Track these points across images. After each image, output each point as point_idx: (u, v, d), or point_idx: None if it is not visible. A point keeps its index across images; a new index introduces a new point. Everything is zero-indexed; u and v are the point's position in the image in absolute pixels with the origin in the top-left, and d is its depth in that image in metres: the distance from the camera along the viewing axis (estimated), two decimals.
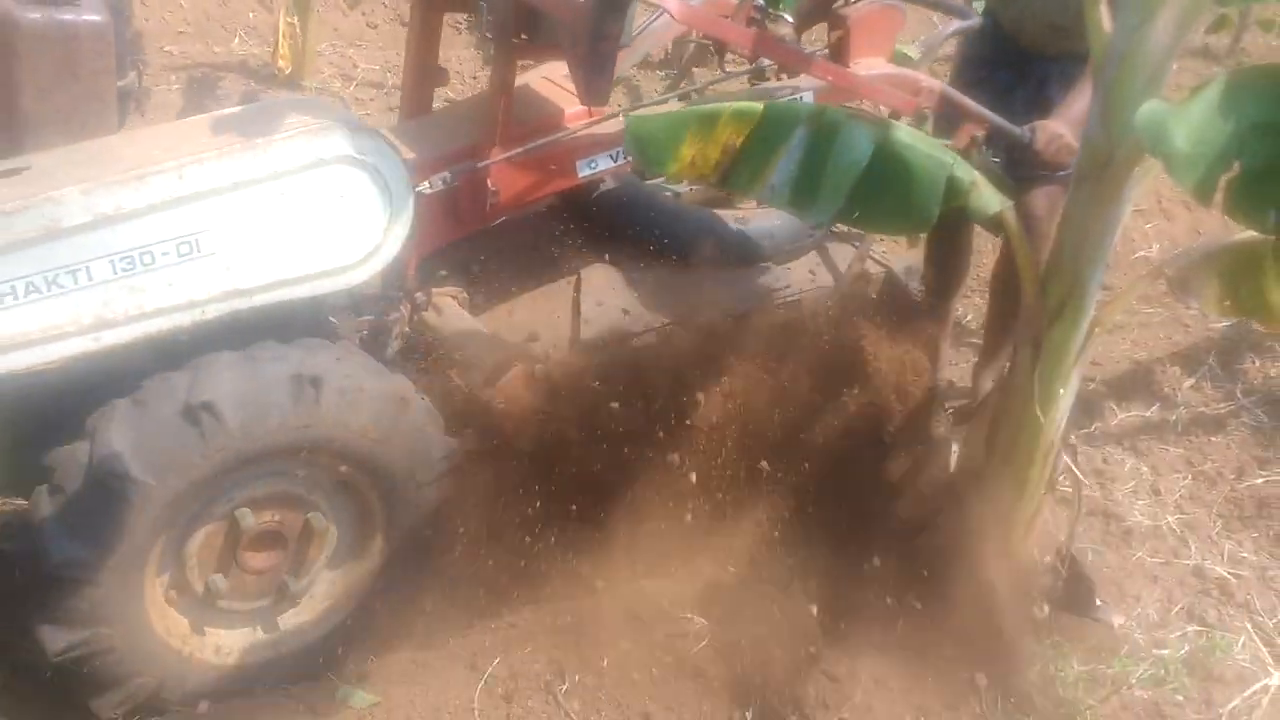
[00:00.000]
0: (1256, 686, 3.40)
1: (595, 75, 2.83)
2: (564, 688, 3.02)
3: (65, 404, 2.67)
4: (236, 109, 3.06)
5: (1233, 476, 4.46)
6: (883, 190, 2.81)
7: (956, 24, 4.02)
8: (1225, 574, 3.88)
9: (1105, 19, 2.81)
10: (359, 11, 8.57)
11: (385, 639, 3.10)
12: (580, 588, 3.31)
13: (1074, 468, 3.22)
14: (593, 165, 3.32)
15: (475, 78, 7.67)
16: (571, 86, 3.23)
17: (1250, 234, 2.73)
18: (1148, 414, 4.80)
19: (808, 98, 3.38)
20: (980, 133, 3.48)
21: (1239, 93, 2.36)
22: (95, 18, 2.83)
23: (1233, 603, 3.77)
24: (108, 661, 2.71)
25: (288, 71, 6.99)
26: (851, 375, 3.50)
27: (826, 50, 3.65)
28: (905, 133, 2.84)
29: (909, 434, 3.54)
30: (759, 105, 2.77)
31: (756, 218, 3.98)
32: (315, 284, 2.86)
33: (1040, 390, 3.08)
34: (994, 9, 4.08)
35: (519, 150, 3.17)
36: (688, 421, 3.32)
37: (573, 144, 3.27)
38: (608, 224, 3.85)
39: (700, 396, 3.35)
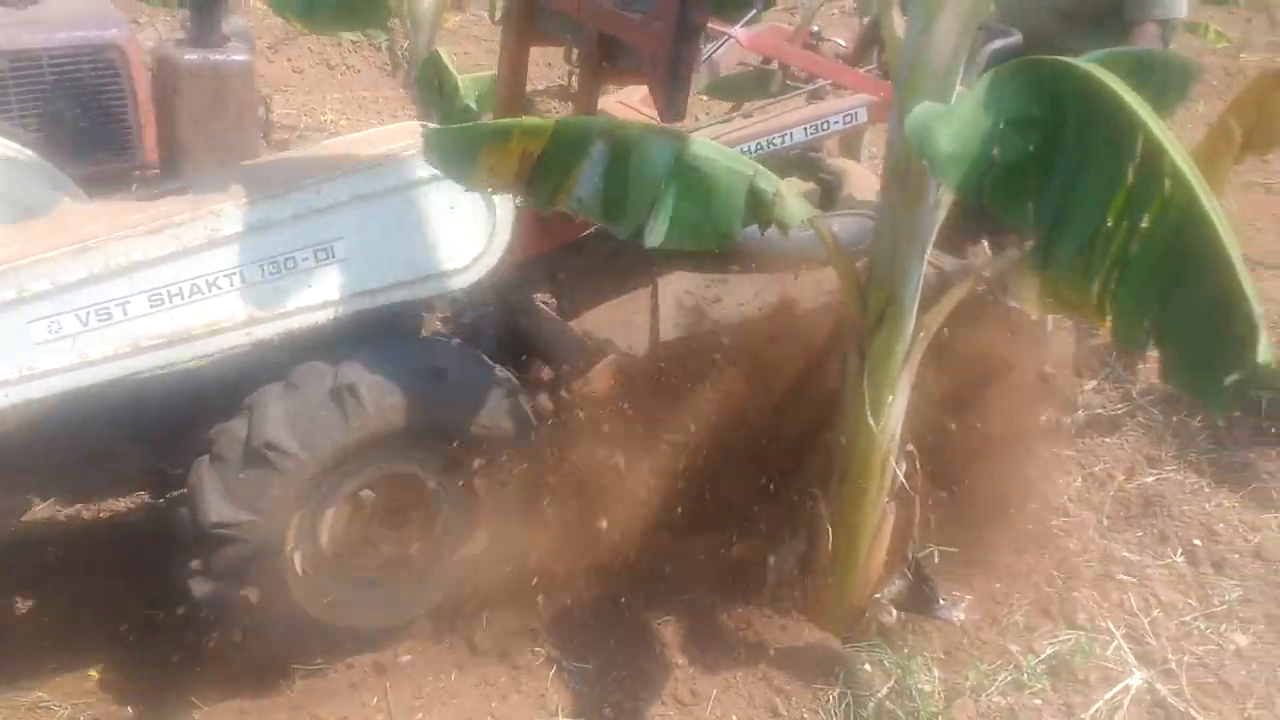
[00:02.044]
0: (1119, 688, 3.36)
1: (674, 94, 3.10)
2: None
3: (218, 395, 3.01)
4: (358, 134, 3.48)
5: (1122, 477, 4.45)
6: (687, 203, 2.81)
7: (999, 42, 4.18)
8: (1100, 573, 3.85)
9: (898, 24, 2.82)
10: (284, 57, 8.64)
11: None
12: None
13: (898, 475, 3.18)
14: None
15: None
16: (644, 109, 3.73)
17: None
18: (1043, 419, 4.77)
19: (862, 113, 3.86)
20: None
21: (999, 90, 2.37)
22: (242, 57, 3.30)
23: (1106, 603, 3.73)
24: (244, 616, 3.03)
25: None
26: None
27: (877, 70, 4.10)
28: (704, 145, 2.84)
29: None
30: (549, 121, 2.78)
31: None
32: (431, 285, 3.21)
33: (870, 398, 3.07)
34: (1006, 15, 4.22)
35: None
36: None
37: None
38: None
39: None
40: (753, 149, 3.85)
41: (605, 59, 3.44)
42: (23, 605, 3.51)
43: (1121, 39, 4.35)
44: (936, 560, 3.59)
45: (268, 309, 2.99)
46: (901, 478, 3.19)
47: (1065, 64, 2.30)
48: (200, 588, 2.98)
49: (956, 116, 2.33)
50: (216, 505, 2.92)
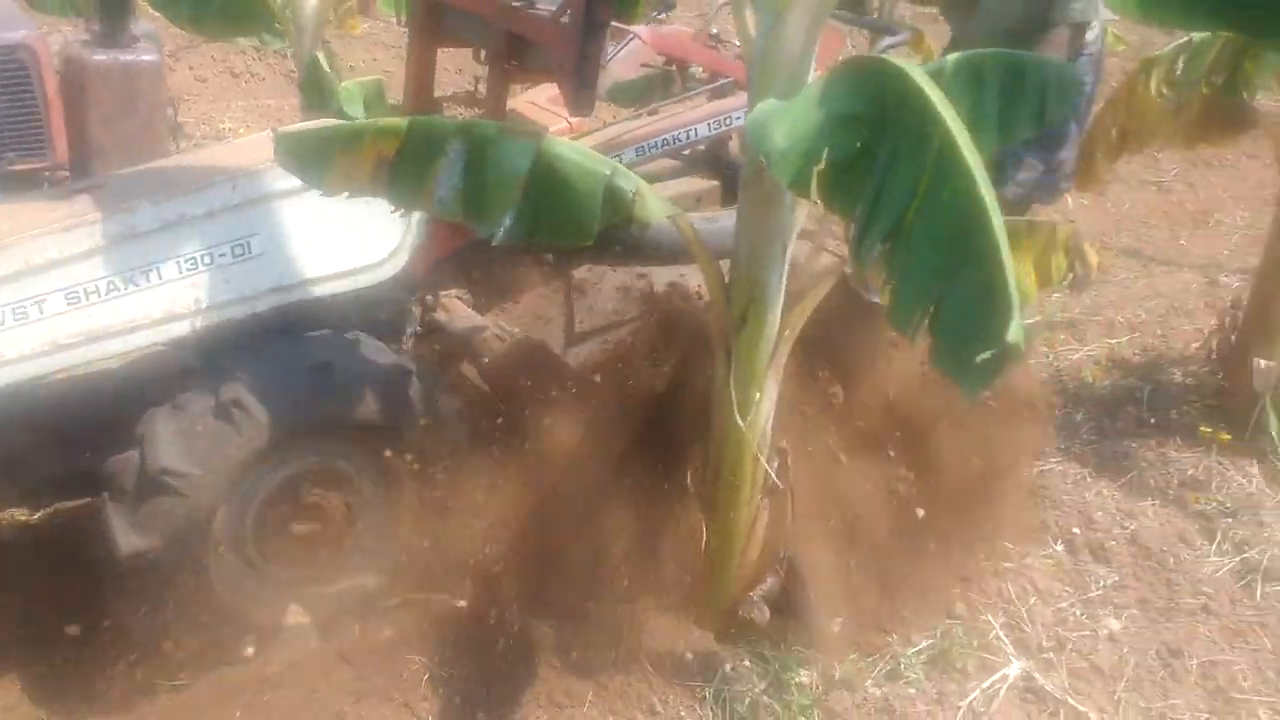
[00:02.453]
0: (995, 677, 3.42)
1: (581, 89, 3.19)
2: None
3: (137, 395, 3.01)
4: (251, 136, 3.59)
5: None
6: (548, 202, 2.81)
7: (888, 40, 4.47)
8: (982, 564, 3.91)
9: (750, 23, 2.84)
10: (186, 65, 8.49)
11: None
12: None
13: (769, 472, 3.20)
14: None
15: None
16: (553, 108, 3.88)
17: None
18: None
19: None
20: None
21: (832, 88, 2.40)
22: (151, 58, 3.34)
23: (986, 593, 3.79)
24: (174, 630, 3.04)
25: None
26: None
27: None
28: (562, 145, 2.84)
29: None
30: (404, 121, 2.76)
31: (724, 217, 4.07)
32: (347, 281, 3.25)
33: (738, 398, 3.09)
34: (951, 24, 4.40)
35: None
36: None
37: None
38: None
39: None
40: (659, 145, 3.93)
41: (513, 58, 3.49)
42: None
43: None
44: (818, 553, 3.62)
45: (185, 306, 3.01)
46: (774, 475, 3.20)
47: (885, 63, 2.34)
48: (124, 609, 3.02)
49: (791, 113, 2.35)
50: (125, 538, 2.91)
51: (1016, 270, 2.94)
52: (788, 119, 2.37)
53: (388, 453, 3.23)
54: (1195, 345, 5.34)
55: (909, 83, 2.24)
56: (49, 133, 3.32)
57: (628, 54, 4.26)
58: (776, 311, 3.04)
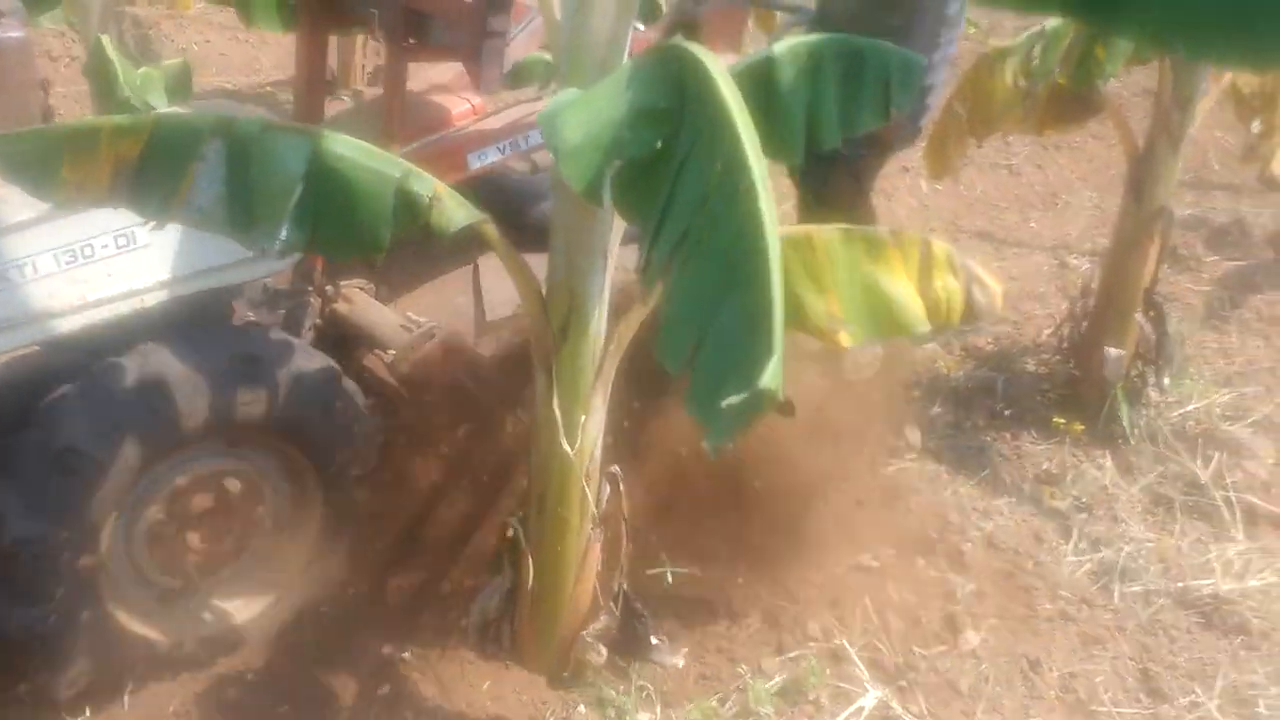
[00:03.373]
0: (851, 710, 3.19)
1: (488, 67, 3.10)
2: None
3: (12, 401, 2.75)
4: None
5: (864, 470, 4.32)
6: (329, 209, 2.44)
7: (788, 20, 4.30)
8: (837, 578, 3.68)
9: (555, 7, 2.52)
10: None
11: None
12: None
13: (601, 500, 2.91)
14: (483, 158, 3.61)
15: None
16: (456, 91, 3.70)
17: None
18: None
19: None
20: None
21: (635, 77, 2.08)
22: (18, 34, 3.12)
23: (841, 612, 3.56)
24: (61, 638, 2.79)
25: None
26: None
27: None
28: (344, 144, 2.47)
29: None
30: (149, 118, 2.36)
31: None
32: (239, 271, 3.04)
33: (563, 420, 2.78)
34: None
35: (414, 146, 3.41)
36: None
37: (464, 139, 3.61)
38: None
39: None
40: None
41: (412, 35, 3.29)
42: None
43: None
44: (670, 580, 3.35)
45: (64, 301, 2.76)
46: (604, 503, 2.91)
47: (685, 50, 2.04)
48: (7, 607, 2.73)
49: (590, 105, 2.04)
50: (16, 521, 2.66)
51: (892, 289, 2.74)
52: (585, 111, 2.05)
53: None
54: (1047, 332, 5.25)
55: (705, 75, 1.93)
56: None
57: (528, 33, 4.00)
58: (600, 324, 2.74)
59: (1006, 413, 4.72)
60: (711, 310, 1.81)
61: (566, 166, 1.97)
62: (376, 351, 3.41)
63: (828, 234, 2.72)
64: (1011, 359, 5.14)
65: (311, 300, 3.44)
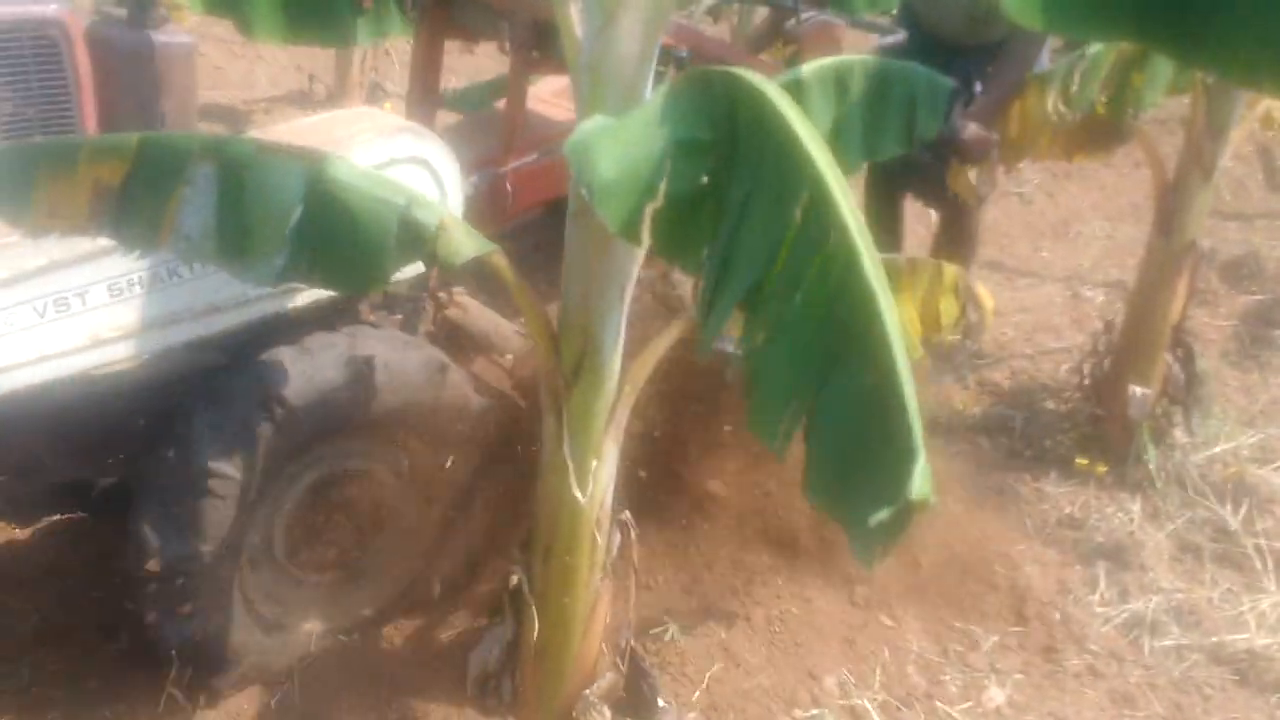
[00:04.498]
0: None
1: None
2: None
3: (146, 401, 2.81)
4: (315, 117, 3.27)
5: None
6: (327, 240, 2.26)
7: (886, 40, 4.58)
8: (855, 629, 3.50)
9: (576, 23, 2.34)
10: None
11: None
12: None
13: (617, 549, 2.73)
14: None
15: None
16: (560, 101, 3.76)
17: None
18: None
19: None
20: None
21: (674, 104, 1.91)
22: (184, 40, 3.27)
23: (857, 665, 3.38)
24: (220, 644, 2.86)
25: None
26: None
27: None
28: (344, 169, 2.29)
29: None
30: (132, 138, 2.17)
31: None
32: None
33: (574, 466, 2.59)
34: (916, 12, 4.48)
35: (532, 157, 3.50)
36: None
37: None
38: None
39: None
40: None
41: (536, 47, 3.31)
42: None
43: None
44: (673, 636, 3.17)
45: (204, 302, 2.80)
46: (615, 552, 2.72)
47: (734, 76, 1.86)
48: (153, 620, 2.81)
49: (623, 135, 1.86)
50: (166, 544, 2.73)
51: (900, 315, 2.59)
52: (618, 142, 1.87)
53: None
54: (1065, 368, 5.09)
55: (766, 105, 1.76)
56: (78, 113, 3.11)
57: None
58: (615, 364, 2.55)
59: (1026, 452, 4.55)
60: (816, 384, 1.63)
61: (602, 204, 1.80)
62: (493, 357, 3.44)
63: None
64: (1030, 395, 4.97)
65: (426, 305, 3.45)
